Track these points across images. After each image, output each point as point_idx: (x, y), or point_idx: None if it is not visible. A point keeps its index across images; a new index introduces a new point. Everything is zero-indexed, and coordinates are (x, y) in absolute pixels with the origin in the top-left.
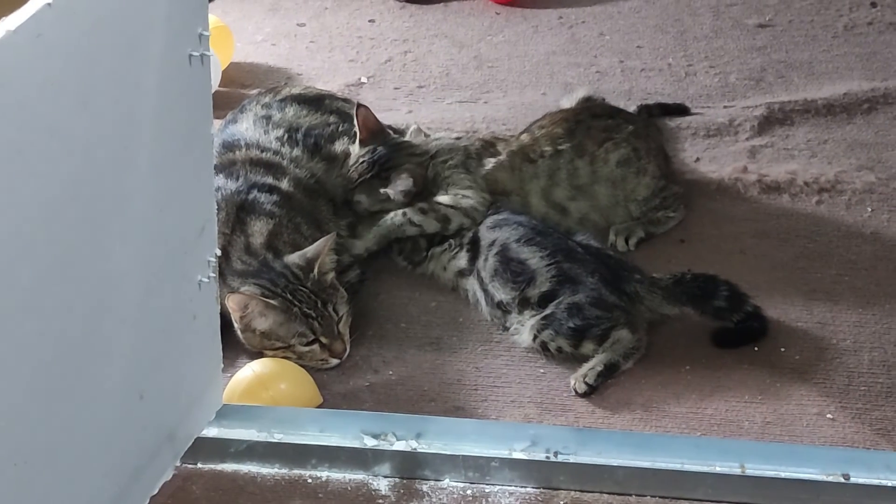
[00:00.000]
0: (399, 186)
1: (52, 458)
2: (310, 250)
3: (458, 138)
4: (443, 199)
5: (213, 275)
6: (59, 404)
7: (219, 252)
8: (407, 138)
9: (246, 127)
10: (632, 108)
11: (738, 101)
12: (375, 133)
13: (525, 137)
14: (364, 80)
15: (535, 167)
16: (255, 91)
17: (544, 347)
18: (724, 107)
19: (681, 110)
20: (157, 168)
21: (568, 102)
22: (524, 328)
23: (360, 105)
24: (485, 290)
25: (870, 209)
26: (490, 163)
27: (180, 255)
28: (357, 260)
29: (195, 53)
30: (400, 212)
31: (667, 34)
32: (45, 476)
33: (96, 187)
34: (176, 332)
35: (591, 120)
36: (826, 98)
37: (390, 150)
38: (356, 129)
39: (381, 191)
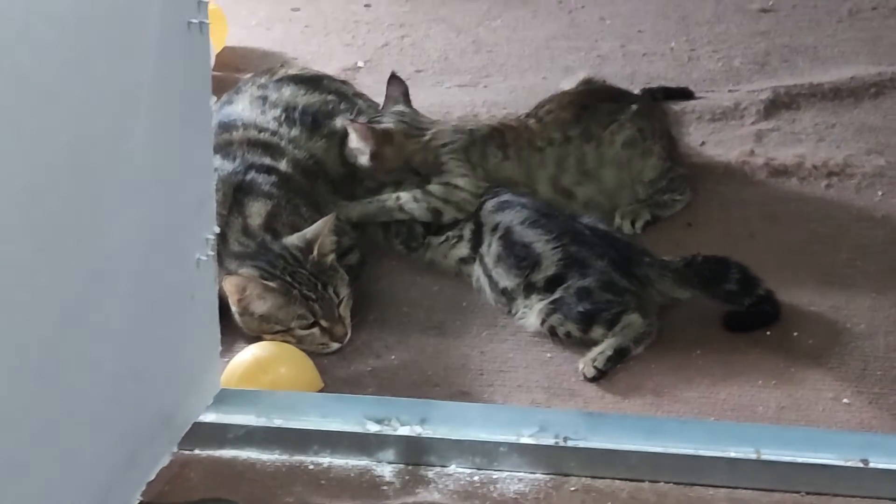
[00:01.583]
0: (356, 131)
1: (44, 437)
2: (309, 231)
3: (459, 125)
4: (435, 189)
5: (212, 253)
6: (51, 381)
7: (217, 230)
8: (419, 114)
9: (242, 107)
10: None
11: (743, 86)
12: (397, 100)
13: (533, 124)
14: (361, 64)
15: (542, 155)
16: (249, 75)
17: (552, 332)
18: (729, 91)
19: (684, 94)
20: (154, 139)
21: (568, 84)
22: (532, 312)
23: (393, 75)
24: (489, 276)
25: (880, 193)
26: (497, 156)
27: (178, 231)
28: (355, 243)
29: (194, 21)
30: (394, 195)
31: (668, 19)
32: (37, 456)
33: (92, 157)
34: (173, 312)
35: (596, 103)
36: (832, 82)
37: (388, 109)
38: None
39: (348, 122)
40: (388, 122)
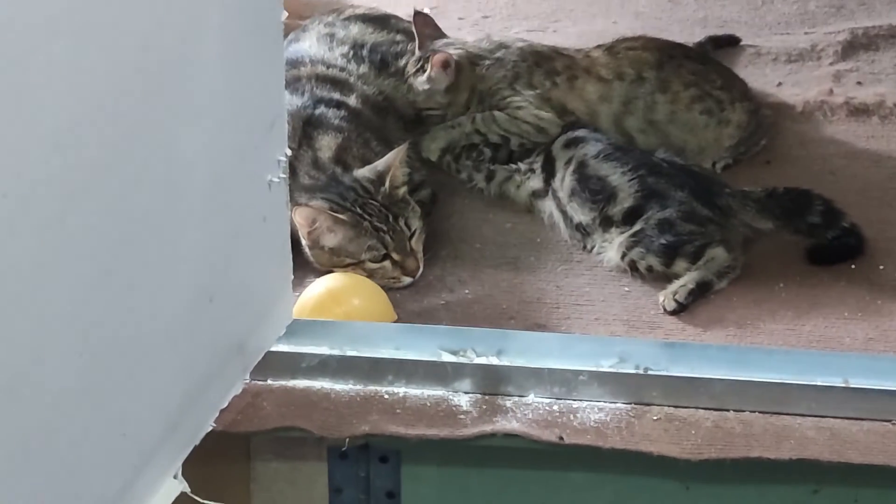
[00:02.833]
0: (435, 64)
1: (119, 351)
2: (380, 163)
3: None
4: (500, 117)
5: (284, 176)
6: (125, 292)
7: (289, 152)
8: (467, 42)
9: (309, 44)
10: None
11: (819, 28)
12: (433, 38)
13: (600, 55)
14: (427, 9)
15: (606, 88)
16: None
17: (633, 266)
18: (805, 33)
19: (732, 41)
20: (225, 49)
21: None
22: (611, 246)
23: (417, 12)
24: (563, 212)
25: None
26: (544, 85)
27: (250, 149)
28: (426, 178)
29: None
30: (469, 119)
31: None
32: (112, 370)
33: (162, 60)
34: (245, 234)
35: (683, 59)
36: None
37: (441, 45)
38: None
39: (420, 80)
40: (453, 52)
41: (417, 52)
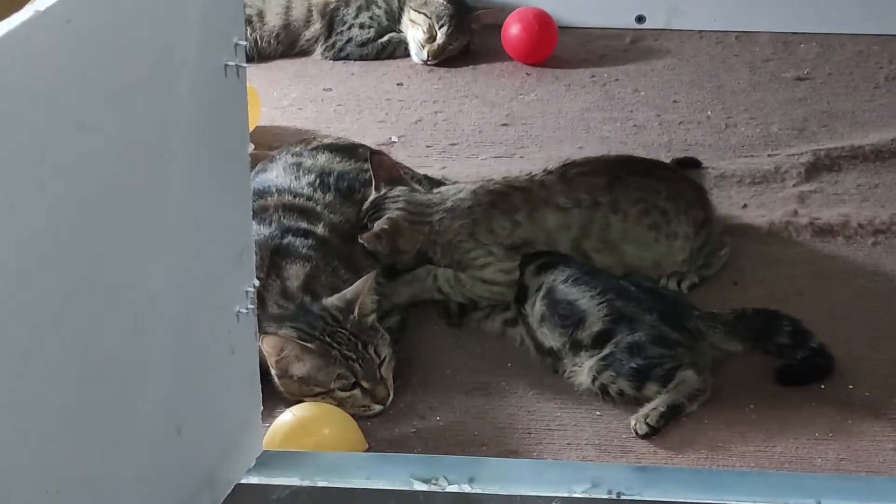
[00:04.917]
0: (365, 239)
1: (87, 488)
2: (349, 291)
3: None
4: (467, 281)
5: (252, 307)
6: (92, 428)
7: (257, 283)
8: (415, 192)
9: (276, 174)
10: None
11: (783, 150)
12: (390, 180)
13: (552, 182)
14: (395, 139)
15: (565, 216)
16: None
17: (604, 390)
18: (769, 155)
19: (692, 164)
20: (192, 182)
21: None
22: (582, 370)
23: (374, 151)
24: (533, 338)
25: None
26: (505, 227)
27: (217, 281)
28: (396, 306)
29: (230, 63)
30: (431, 275)
31: (703, 89)
32: None
33: (129, 194)
34: (214, 365)
35: (628, 176)
36: (873, 144)
37: (383, 198)
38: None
39: (359, 239)
40: (390, 213)
41: (373, 193)
